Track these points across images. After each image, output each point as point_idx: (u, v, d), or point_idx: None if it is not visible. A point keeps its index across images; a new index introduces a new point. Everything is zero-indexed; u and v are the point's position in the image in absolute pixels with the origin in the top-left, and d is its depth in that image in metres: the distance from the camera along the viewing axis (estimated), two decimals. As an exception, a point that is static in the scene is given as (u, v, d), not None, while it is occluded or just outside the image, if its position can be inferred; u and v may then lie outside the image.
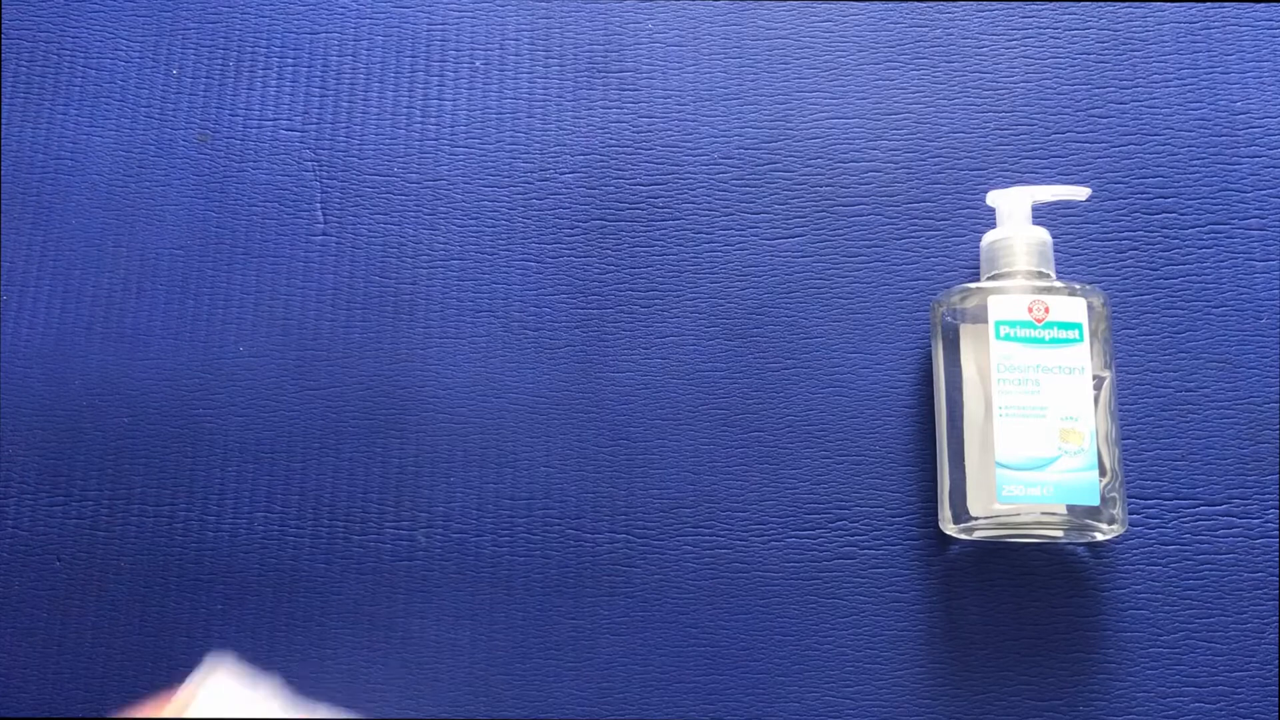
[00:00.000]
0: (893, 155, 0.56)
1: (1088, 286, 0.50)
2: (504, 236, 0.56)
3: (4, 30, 0.60)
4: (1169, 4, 0.58)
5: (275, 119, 0.58)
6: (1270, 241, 0.55)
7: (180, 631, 0.52)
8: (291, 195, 0.57)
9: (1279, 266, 0.54)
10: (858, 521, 0.52)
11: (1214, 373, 0.53)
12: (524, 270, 0.55)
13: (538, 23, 0.59)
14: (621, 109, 0.57)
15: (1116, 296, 0.54)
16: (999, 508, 0.47)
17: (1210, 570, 0.51)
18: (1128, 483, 0.52)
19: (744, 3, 0.59)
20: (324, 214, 0.57)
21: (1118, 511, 0.48)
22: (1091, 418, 0.48)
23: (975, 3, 0.58)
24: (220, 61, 0.59)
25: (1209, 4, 0.58)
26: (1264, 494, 0.52)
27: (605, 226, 0.56)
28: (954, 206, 0.56)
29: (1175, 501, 0.52)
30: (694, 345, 0.54)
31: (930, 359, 0.53)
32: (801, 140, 0.57)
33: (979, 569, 0.51)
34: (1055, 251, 0.52)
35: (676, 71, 0.58)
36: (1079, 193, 0.53)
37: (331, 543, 0.53)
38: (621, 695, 0.51)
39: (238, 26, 0.59)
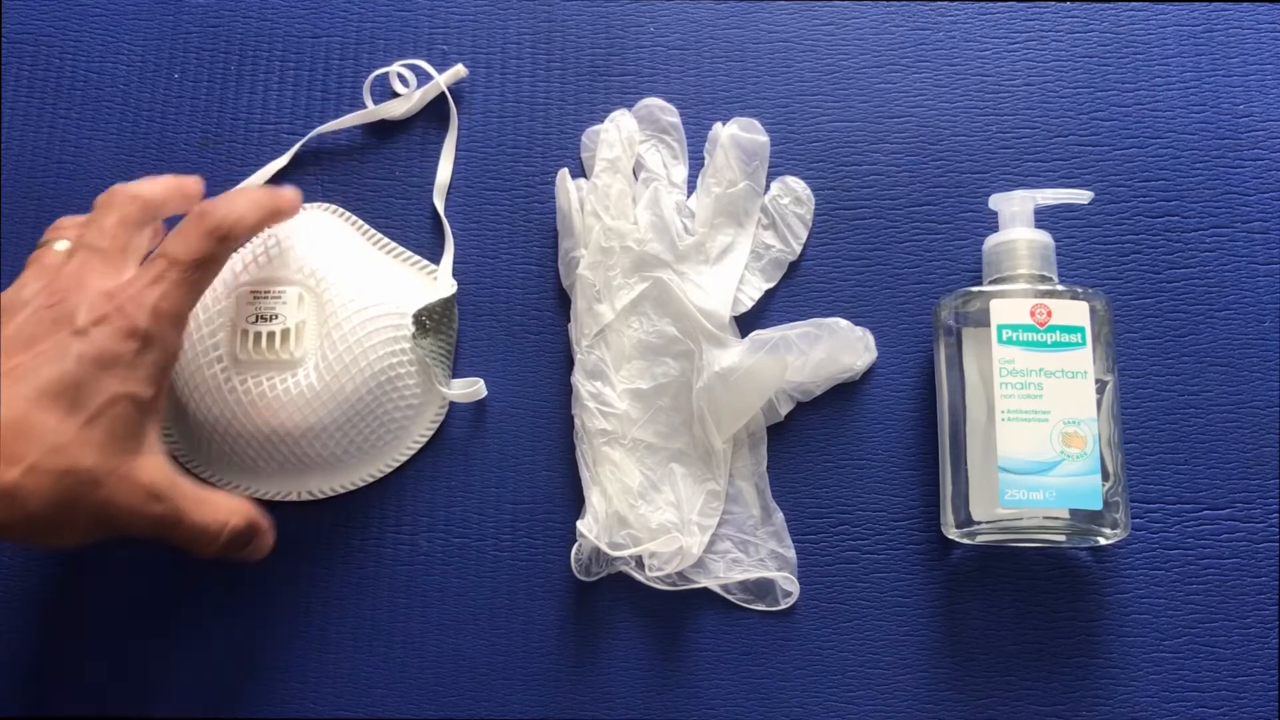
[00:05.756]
0: (894, 158, 0.56)
1: (1090, 290, 0.50)
2: (505, 240, 0.56)
3: (5, 33, 0.60)
4: (1172, 6, 0.58)
5: (277, 123, 0.58)
6: (1273, 244, 0.54)
7: (180, 634, 0.52)
8: (293, 199, 0.57)
9: (1282, 269, 0.54)
10: (859, 526, 0.52)
11: (1217, 376, 0.53)
12: (525, 274, 0.55)
13: (539, 25, 0.59)
14: (623, 112, 0.57)
15: (1119, 300, 0.54)
16: (1001, 512, 0.47)
17: (1213, 574, 0.51)
18: (1130, 487, 0.52)
19: (746, 4, 0.59)
20: (325, 217, 0.57)
21: (1120, 516, 0.48)
22: (1094, 422, 0.47)
23: (977, 4, 0.58)
24: (222, 65, 0.59)
25: (1212, 6, 0.58)
26: (1267, 498, 0.52)
27: (607, 230, 0.56)
28: (956, 209, 0.55)
29: (1178, 505, 0.52)
30: (696, 349, 0.54)
31: (932, 363, 0.53)
32: (803, 143, 0.57)
33: (981, 573, 0.51)
34: (1058, 255, 0.52)
35: (678, 74, 0.58)
36: (1081, 196, 0.53)
37: (332, 547, 0.53)
38: (624, 698, 0.51)
39: (239, 30, 0.59)
